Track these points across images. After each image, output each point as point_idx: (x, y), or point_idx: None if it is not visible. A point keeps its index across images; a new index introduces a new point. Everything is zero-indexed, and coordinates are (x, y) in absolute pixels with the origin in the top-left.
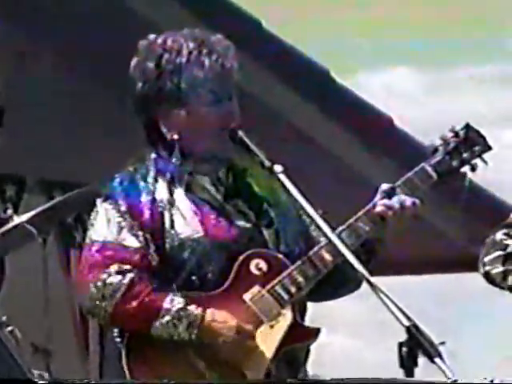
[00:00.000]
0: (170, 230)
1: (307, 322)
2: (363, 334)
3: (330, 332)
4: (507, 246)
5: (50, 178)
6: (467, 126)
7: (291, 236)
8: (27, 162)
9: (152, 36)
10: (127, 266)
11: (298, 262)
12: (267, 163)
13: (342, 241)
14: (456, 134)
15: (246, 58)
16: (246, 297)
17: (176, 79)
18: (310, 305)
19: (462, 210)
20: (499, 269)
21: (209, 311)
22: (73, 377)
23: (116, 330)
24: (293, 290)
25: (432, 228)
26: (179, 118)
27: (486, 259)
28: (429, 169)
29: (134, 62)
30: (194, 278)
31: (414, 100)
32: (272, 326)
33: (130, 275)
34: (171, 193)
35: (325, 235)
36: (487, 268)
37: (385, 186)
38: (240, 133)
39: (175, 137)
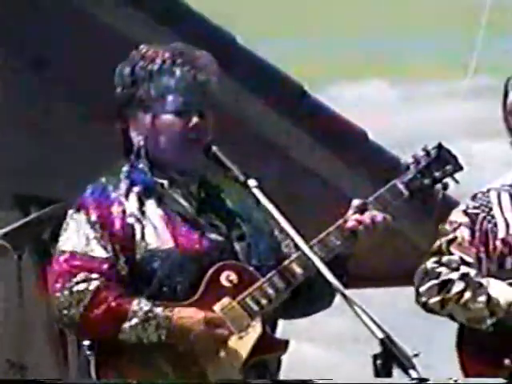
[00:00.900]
0: (141, 240)
1: (284, 334)
2: (337, 345)
3: (306, 344)
4: (440, 273)
5: (25, 193)
6: (439, 146)
7: (263, 251)
8: (2, 177)
9: (141, 46)
10: (94, 275)
11: (269, 275)
12: (241, 178)
13: (316, 254)
14: (428, 153)
15: (219, 71)
16: (216, 308)
17: (147, 86)
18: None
19: (435, 222)
20: (436, 298)
21: (176, 310)
22: None
23: (87, 343)
24: (263, 301)
25: (408, 241)
26: (145, 122)
27: (421, 289)
28: (400, 186)
29: (117, 68)
30: (164, 288)
31: (387, 113)
32: (241, 337)
33: (95, 282)
34: (142, 204)
35: (299, 248)
36: (424, 299)
37: (356, 202)
38: (214, 148)
39: (141, 142)
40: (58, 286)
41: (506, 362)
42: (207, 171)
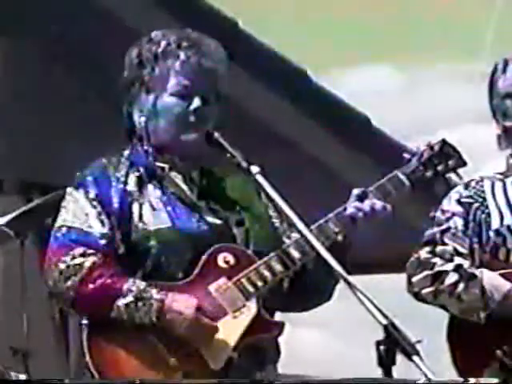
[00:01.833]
0: (138, 219)
1: (287, 320)
2: (342, 332)
3: (308, 329)
4: (434, 264)
5: (28, 179)
6: (443, 141)
7: (261, 238)
8: (5, 164)
9: (153, 32)
10: (91, 250)
11: (266, 258)
12: (244, 164)
13: (319, 240)
14: (431, 148)
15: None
16: (212, 288)
17: (151, 67)
18: None
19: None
20: (429, 289)
21: (170, 294)
22: (52, 377)
23: (85, 323)
24: (259, 283)
25: (411, 227)
26: (147, 103)
27: (415, 280)
28: (402, 176)
29: (127, 52)
30: (159, 268)
31: (391, 99)
32: (236, 317)
33: (92, 258)
34: (141, 185)
35: (301, 234)
36: (416, 289)
37: (357, 191)
38: (216, 134)
39: (143, 124)
40: (54, 259)
41: (498, 353)
42: (211, 162)
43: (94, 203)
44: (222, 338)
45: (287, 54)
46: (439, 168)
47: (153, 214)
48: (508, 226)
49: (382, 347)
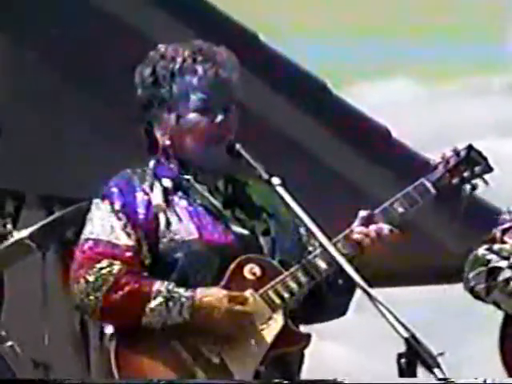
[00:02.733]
0: (165, 230)
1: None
2: (363, 344)
3: (329, 342)
4: (489, 260)
5: (49, 193)
6: (469, 147)
7: (287, 246)
8: (26, 176)
9: (159, 46)
10: (117, 261)
11: (292, 269)
12: (265, 176)
13: (340, 252)
14: (457, 154)
15: (242, 70)
16: None
17: (169, 85)
18: None
19: (461, 220)
20: (483, 284)
21: (198, 290)
22: None
23: (109, 333)
24: (285, 295)
25: (432, 239)
26: (169, 122)
27: (470, 275)
28: (428, 184)
29: (137, 70)
30: (186, 279)
31: (413, 111)
32: (263, 330)
33: (118, 267)
34: (168, 196)
35: (322, 246)
36: (471, 284)
37: (363, 213)
38: (237, 146)
39: (167, 142)
40: (81, 272)
41: None
42: (234, 169)
43: (120, 215)
44: (249, 351)
45: (308, 67)
46: (465, 174)
47: (180, 225)
48: None
49: (403, 360)
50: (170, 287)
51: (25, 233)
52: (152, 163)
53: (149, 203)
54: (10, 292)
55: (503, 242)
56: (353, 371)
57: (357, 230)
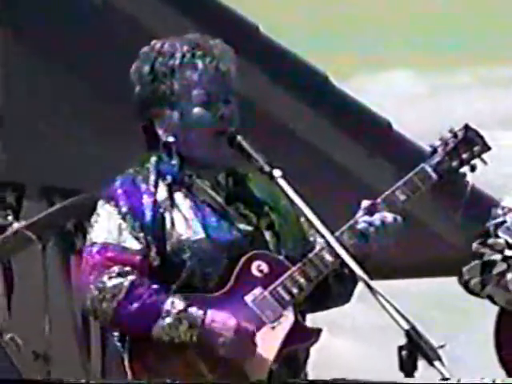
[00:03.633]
0: (171, 231)
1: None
2: (363, 337)
3: (330, 335)
4: (483, 254)
5: (49, 184)
6: (466, 127)
7: (291, 239)
8: (27, 168)
9: (153, 41)
10: (128, 268)
11: (299, 264)
12: (266, 168)
13: (342, 244)
14: (455, 135)
15: (242, 62)
16: (248, 298)
17: (169, 81)
18: None
19: (461, 213)
20: (477, 278)
21: (209, 313)
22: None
23: (116, 334)
24: (294, 291)
25: (432, 231)
26: (172, 119)
27: (464, 269)
28: (429, 169)
29: (133, 67)
30: (194, 279)
31: (413, 103)
32: (274, 328)
33: (131, 277)
34: (172, 195)
35: (324, 239)
36: (466, 278)
37: (366, 203)
38: (238, 138)
39: (170, 139)
40: (92, 278)
41: None
42: (234, 161)
43: (127, 217)
44: (262, 350)
45: (309, 59)
46: (464, 156)
47: (186, 225)
48: None
49: (403, 352)
50: (181, 307)
51: (25, 224)
52: (154, 160)
53: (154, 204)
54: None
55: (497, 237)
56: (354, 363)
57: (361, 219)
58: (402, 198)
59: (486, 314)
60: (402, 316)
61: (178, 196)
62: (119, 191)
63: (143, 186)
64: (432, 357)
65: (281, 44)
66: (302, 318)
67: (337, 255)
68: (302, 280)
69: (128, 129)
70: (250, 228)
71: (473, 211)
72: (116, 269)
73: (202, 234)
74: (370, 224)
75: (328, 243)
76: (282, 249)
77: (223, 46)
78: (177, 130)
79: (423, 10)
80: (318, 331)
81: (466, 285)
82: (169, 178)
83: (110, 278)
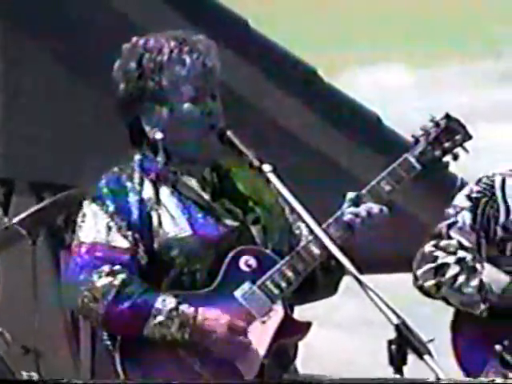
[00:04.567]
0: (158, 229)
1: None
2: (352, 331)
3: (318, 329)
4: (437, 257)
5: (39, 179)
6: (447, 116)
7: (277, 232)
8: (16, 164)
9: (135, 38)
10: (117, 267)
11: (287, 257)
12: (256, 163)
13: (330, 237)
14: (437, 124)
15: (233, 57)
16: (237, 293)
17: (157, 77)
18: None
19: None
20: (431, 281)
21: (200, 310)
22: (63, 377)
23: (106, 334)
24: (283, 284)
25: (420, 225)
26: (161, 115)
27: (418, 273)
28: (412, 160)
29: (116, 64)
30: (183, 276)
31: (403, 98)
32: (264, 322)
33: (120, 276)
34: (157, 192)
35: (313, 232)
36: (420, 282)
37: (351, 195)
38: (228, 133)
39: (158, 135)
40: (81, 277)
41: (497, 347)
42: (219, 155)
43: (114, 216)
44: (253, 345)
45: (299, 54)
46: (446, 145)
47: (172, 223)
48: None
49: (393, 346)
50: (172, 306)
51: (15, 219)
52: (137, 158)
53: (141, 202)
54: (1, 279)
55: (449, 238)
56: (343, 358)
57: (347, 211)
58: (387, 188)
59: None
60: (392, 310)
61: (164, 193)
62: (105, 190)
63: (128, 185)
64: (422, 351)
65: (271, 39)
66: (290, 311)
67: (325, 248)
68: (290, 273)
69: (120, 126)
70: (236, 223)
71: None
72: (105, 268)
73: (188, 231)
74: (357, 215)
75: (317, 237)
76: (268, 243)
77: (207, 42)
78: (166, 127)
79: (411, 5)
80: (308, 325)
81: (420, 288)
82: (153, 175)
83: (100, 277)
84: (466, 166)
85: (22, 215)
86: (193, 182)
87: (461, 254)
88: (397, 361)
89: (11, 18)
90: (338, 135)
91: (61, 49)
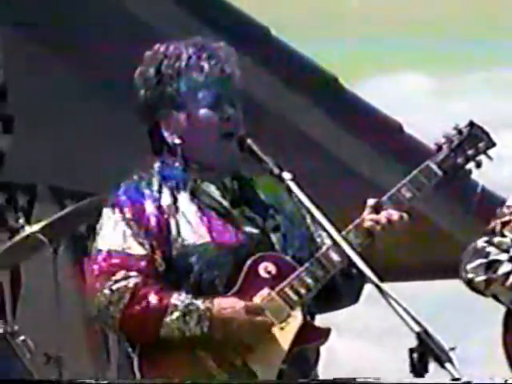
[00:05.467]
0: (177, 236)
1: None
2: (374, 339)
3: (340, 337)
4: (489, 253)
5: (61, 186)
6: (471, 124)
7: (298, 241)
8: (39, 170)
9: (157, 45)
10: (133, 273)
11: (307, 264)
12: (276, 170)
13: (350, 245)
14: (460, 132)
15: (252, 64)
16: (256, 300)
17: (175, 83)
18: None
19: (471, 213)
20: (482, 277)
21: (215, 301)
22: None
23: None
24: (302, 291)
25: (441, 232)
26: (179, 121)
27: (469, 267)
28: (434, 166)
29: (137, 71)
30: (202, 283)
31: (423, 105)
32: (283, 328)
33: (134, 280)
34: (176, 199)
35: (334, 241)
36: (470, 276)
37: (371, 201)
38: (248, 141)
39: (177, 141)
40: (98, 285)
41: None
42: (241, 165)
43: (131, 224)
44: (272, 350)
45: (319, 61)
46: (469, 153)
47: (190, 230)
48: None
49: (414, 354)
50: (188, 301)
51: (36, 227)
52: (157, 165)
53: (159, 209)
54: (23, 287)
55: (503, 235)
56: (366, 366)
57: (367, 217)
58: (408, 195)
59: (499, 314)
60: (413, 318)
61: (183, 201)
62: (123, 198)
63: (147, 192)
64: (443, 359)
65: (292, 47)
66: (311, 319)
67: (345, 255)
68: (309, 280)
69: (142, 134)
70: (256, 231)
71: (484, 212)
72: (121, 274)
73: (207, 238)
74: (377, 222)
75: (337, 243)
76: (288, 249)
77: (227, 49)
78: (183, 133)
79: (435, 12)
80: (327, 331)
81: (469, 283)
82: (173, 182)
83: (115, 282)
84: (489, 173)
85: (43, 223)
86: (212, 189)
87: None
88: (418, 369)
89: (22, 24)
90: (359, 143)
91: (87, 59)
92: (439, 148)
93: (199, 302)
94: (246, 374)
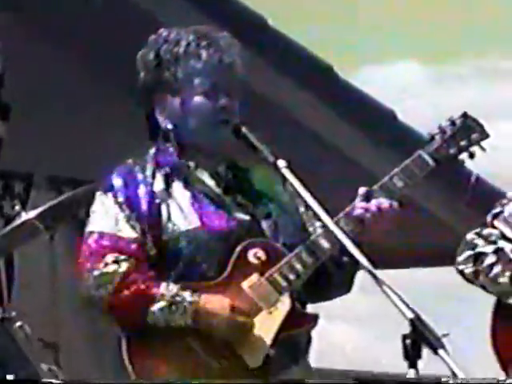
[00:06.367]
0: (167, 221)
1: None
2: (366, 325)
3: (336, 323)
4: (476, 245)
5: (58, 173)
6: (464, 115)
7: (290, 228)
8: (35, 158)
9: (160, 30)
10: (124, 256)
11: (296, 250)
12: (271, 158)
13: (345, 233)
14: (453, 123)
15: (249, 54)
16: (244, 285)
17: (173, 68)
18: None
19: (467, 203)
20: (470, 269)
21: (203, 296)
22: (81, 369)
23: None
24: (291, 277)
25: (437, 221)
26: (173, 105)
27: (459, 259)
28: (426, 156)
29: (139, 54)
30: (191, 268)
31: (417, 94)
32: (271, 313)
33: (125, 264)
34: (169, 185)
35: (328, 229)
36: (461, 267)
37: (362, 190)
38: (243, 129)
39: (169, 126)
40: (88, 265)
41: None
42: (236, 155)
43: (124, 207)
44: (259, 335)
45: (315, 51)
46: (462, 143)
47: (181, 215)
48: None
49: (407, 341)
50: (175, 291)
51: (33, 214)
52: (152, 151)
53: (151, 194)
54: (20, 272)
55: (493, 227)
56: (358, 352)
57: (358, 205)
58: (400, 184)
59: (490, 302)
60: (406, 305)
61: (175, 186)
62: (116, 181)
63: (140, 176)
64: (436, 345)
65: (289, 37)
66: (302, 308)
67: (337, 242)
68: (298, 266)
69: (141, 121)
70: (246, 217)
71: (477, 201)
72: (112, 256)
73: (197, 224)
74: (367, 210)
75: (328, 230)
76: (279, 236)
77: (230, 39)
78: (177, 117)
79: (426, 2)
80: (315, 316)
81: (461, 273)
82: (166, 168)
83: (106, 265)
84: (484, 163)
85: (40, 209)
86: (206, 176)
87: (501, 243)
88: (411, 355)
89: (33, 18)
90: (354, 131)
91: (84, 47)
92: (432, 138)
93: (186, 294)
94: (235, 359)
